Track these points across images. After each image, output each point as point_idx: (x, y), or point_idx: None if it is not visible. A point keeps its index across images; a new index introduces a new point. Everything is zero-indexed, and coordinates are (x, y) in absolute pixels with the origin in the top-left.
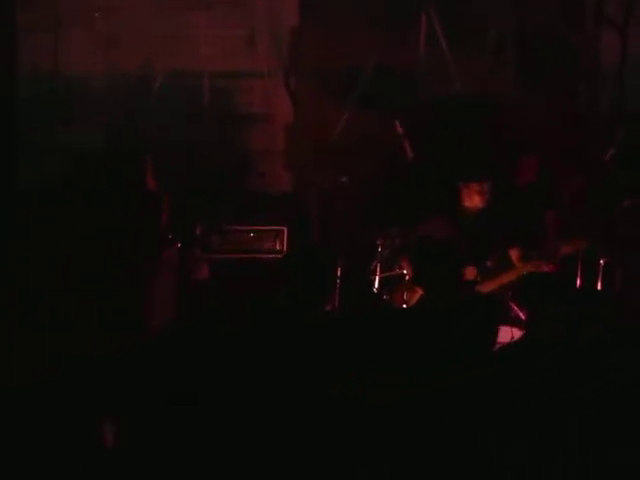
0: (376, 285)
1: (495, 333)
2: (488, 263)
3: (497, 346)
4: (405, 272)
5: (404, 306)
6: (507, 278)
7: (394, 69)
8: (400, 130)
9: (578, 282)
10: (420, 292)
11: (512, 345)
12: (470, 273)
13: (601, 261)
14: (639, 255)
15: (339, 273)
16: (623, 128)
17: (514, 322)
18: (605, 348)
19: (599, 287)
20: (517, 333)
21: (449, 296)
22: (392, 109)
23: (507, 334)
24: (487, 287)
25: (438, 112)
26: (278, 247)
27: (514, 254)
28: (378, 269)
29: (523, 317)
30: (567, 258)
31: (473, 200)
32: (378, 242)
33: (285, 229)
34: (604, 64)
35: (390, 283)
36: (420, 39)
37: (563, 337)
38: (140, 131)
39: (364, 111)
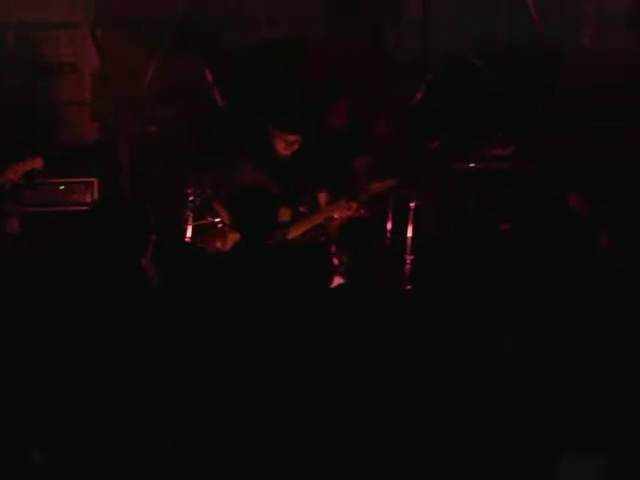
0: (189, 234)
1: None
2: (300, 207)
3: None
4: (217, 220)
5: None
6: (315, 221)
7: (202, 16)
8: (209, 77)
9: (389, 226)
10: (234, 238)
11: (332, 292)
12: (284, 215)
13: (411, 204)
14: (448, 196)
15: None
16: (431, 72)
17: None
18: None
19: (410, 230)
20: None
21: (265, 239)
22: (201, 56)
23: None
24: (297, 230)
25: (247, 57)
26: (88, 199)
27: (322, 197)
28: (190, 218)
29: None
30: (378, 203)
31: (282, 145)
32: (189, 191)
33: (95, 180)
34: (409, 8)
35: (203, 231)
36: None
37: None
38: None
39: (172, 59)
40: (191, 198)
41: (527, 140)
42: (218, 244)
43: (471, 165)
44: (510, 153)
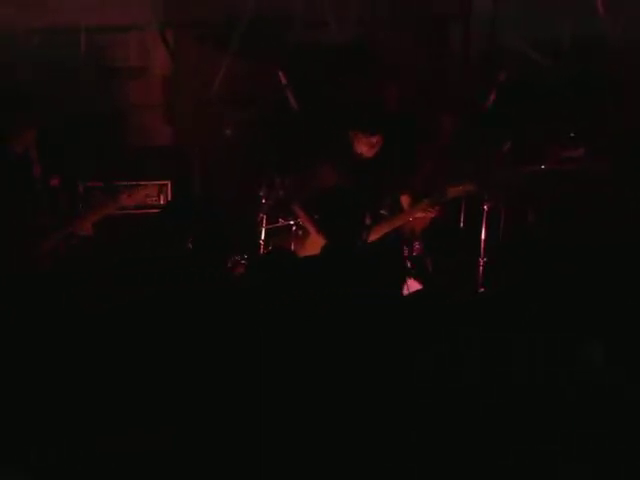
0: (262, 236)
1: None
2: (382, 210)
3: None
4: (292, 222)
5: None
6: (396, 223)
7: (272, 17)
8: (284, 79)
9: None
10: (312, 241)
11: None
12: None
13: (485, 206)
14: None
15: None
16: (504, 72)
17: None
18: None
19: (483, 231)
20: (414, 285)
21: (351, 243)
22: (273, 57)
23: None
24: (378, 232)
25: (319, 58)
26: (163, 201)
27: (405, 200)
28: (264, 221)
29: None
30: (454, 205)
31: (365, 147)
32: (262, 194)
33: (169, 183)
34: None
35: (276, 234)
36: None
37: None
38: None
39: (244, 61)
40: (264, 201)
41: (597, 139)
42: (292, 246)
43: (542, 167)
44: (581, 154)
